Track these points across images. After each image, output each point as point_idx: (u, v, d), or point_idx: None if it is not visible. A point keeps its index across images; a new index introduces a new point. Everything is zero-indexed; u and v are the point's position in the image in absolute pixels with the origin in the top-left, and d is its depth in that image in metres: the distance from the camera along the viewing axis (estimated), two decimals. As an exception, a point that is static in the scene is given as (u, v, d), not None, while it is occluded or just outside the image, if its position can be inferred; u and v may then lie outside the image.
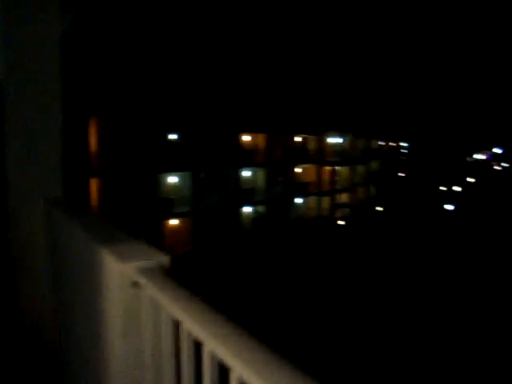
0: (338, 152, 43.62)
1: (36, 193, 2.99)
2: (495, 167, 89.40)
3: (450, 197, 47.82)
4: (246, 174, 32.59)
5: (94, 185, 23.72)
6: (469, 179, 59.27)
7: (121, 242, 1.80)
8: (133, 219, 22.83)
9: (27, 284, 3.04)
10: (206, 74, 28.37)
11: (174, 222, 27.11)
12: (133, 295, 1.56)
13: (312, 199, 39.55)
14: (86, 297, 2.03)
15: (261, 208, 33.25)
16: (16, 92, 2.99)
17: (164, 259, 1.55)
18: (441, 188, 54.76)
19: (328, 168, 41.91)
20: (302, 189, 37.62)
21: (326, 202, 41.46)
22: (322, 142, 40.73)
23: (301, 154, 37.57)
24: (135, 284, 1.52)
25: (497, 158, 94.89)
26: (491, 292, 22.31)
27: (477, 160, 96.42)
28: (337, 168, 42.95)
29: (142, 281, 1.46)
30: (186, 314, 1.21)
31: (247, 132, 32.17)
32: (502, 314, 19.59)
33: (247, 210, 32.32)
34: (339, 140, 43.98)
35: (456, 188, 47.16)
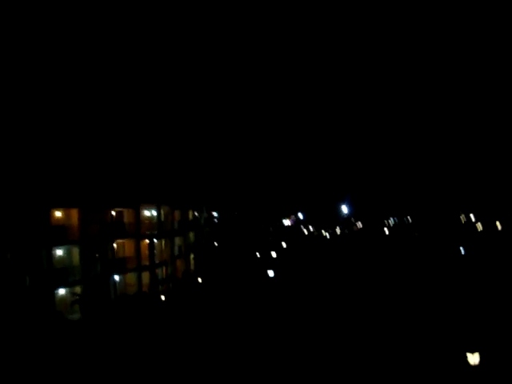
0: (154, 224, 44.96)
1: None
2: (303, 230, 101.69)
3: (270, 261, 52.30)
4: (59, 252, 31.46)
5: None
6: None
7: None
8: None
9: None
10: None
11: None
12: None
13: (131, 275, 39.56)
14: None
15: (77, 288, 32.05)
16: None
17: None
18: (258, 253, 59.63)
19: (146, 241, 42.70)
20: (121, 265, 37.51)
21: (146, 276, 41.76)
22: (137, 214, 41.53)
23: (117, 228, 37.75)
24: None
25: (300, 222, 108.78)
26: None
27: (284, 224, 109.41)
28: (155, 241, 44.01)
29: None
30: None
31: (58, 207, 31.50)
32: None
33: (62, 291, 30.90)
34: (154, 212, 45.47)
35: (273, 253, 52.15)
